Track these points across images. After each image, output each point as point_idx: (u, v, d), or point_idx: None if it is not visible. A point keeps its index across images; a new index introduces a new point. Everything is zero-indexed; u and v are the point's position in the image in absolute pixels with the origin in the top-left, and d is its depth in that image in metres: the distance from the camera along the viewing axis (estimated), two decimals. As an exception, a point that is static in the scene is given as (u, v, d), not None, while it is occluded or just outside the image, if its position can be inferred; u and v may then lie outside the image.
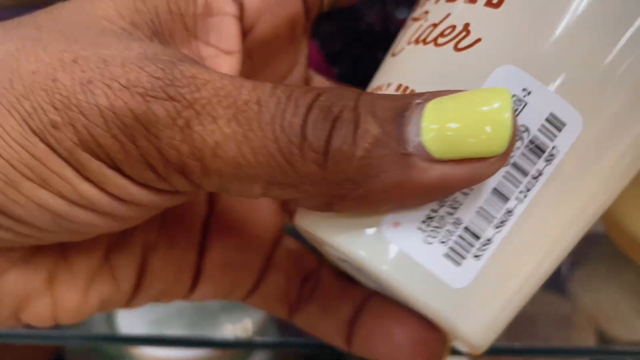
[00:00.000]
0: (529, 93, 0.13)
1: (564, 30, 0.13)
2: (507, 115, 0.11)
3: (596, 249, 0.31)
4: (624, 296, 0.35)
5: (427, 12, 0.15)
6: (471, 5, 0.14)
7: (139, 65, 0.12)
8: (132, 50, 0.12)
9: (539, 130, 0.13)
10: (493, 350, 0.32)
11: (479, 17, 0.14)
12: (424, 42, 0.14)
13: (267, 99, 0.11)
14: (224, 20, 0.15)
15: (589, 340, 0.34)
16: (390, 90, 0.14)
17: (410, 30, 0.15)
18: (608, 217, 0.30)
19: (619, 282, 0.35)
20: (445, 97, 0.11)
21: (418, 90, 0.14)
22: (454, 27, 0.14)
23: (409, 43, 0.15)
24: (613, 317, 0.35)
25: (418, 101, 0.11)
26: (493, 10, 0.14)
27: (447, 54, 0.14)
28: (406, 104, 0.11)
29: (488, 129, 0.11)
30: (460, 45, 0.14)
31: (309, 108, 0.11)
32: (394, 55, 0.16)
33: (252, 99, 0.11)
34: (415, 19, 0.15)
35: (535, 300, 0.34)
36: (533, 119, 0.13)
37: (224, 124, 0.11)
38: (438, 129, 0.11)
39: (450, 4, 0.14)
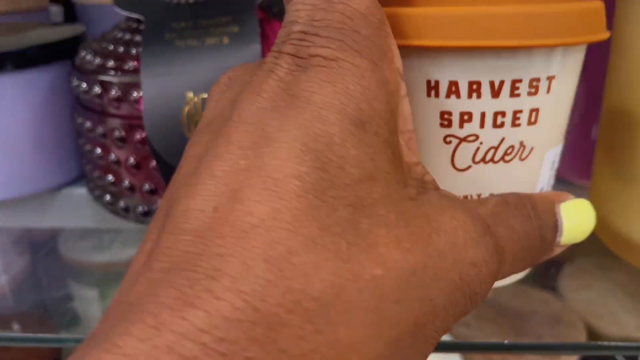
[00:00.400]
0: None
1: None
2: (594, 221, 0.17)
3: (586, 248, 0.31)
4: (614, 294, 0.35)
5: (477, 136, 0.19)
6: (518, 128, 0.19)
7: None
8: None
9: None
10: (485, 347, 0.32)
11: (527, 134, 0.19)
12: (493, 161, 0.19)
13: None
14: None
15: (579, 337, 0.35)
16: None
17: (466, 151, 0.19)
18: (596, 218, 0.31)
19: (609, 280, 0.35)
20: (569, 203, 0.16)
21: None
22: (512, 146, 0.19)
23: (475, 162, 0.19)
24: (603, 314, 0.35)
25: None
26: (534, 127, 0.19)
27: (516, 165, 0.20)
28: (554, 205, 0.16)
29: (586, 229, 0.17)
30: (523, 156, 0.19)
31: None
32: (458, 170, 0.20)
33: None
34: (462, 139, 0.19)
35: (527, 298, 0.34)
36: None
37: None
38: (570, 228, 0.16)
39: (499, 130, 0.19)
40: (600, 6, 0.19)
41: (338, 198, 0.12)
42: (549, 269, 0.32)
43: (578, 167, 0.36)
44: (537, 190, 0.21)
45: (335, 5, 0.14)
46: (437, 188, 0.15)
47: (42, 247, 0.42)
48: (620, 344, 0.31)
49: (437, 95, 0.18)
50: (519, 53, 0.18)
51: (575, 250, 0.35)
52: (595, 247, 0.30)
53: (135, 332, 0.10)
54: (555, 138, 0.21)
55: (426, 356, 0.13)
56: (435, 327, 0.12)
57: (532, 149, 0.19)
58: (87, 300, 0.39)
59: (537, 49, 0.18)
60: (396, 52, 0.15)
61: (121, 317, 0.10)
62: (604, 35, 0.19)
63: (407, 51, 0.18)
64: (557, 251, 0.17)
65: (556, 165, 0.22)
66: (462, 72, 0.18)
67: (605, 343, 0.31)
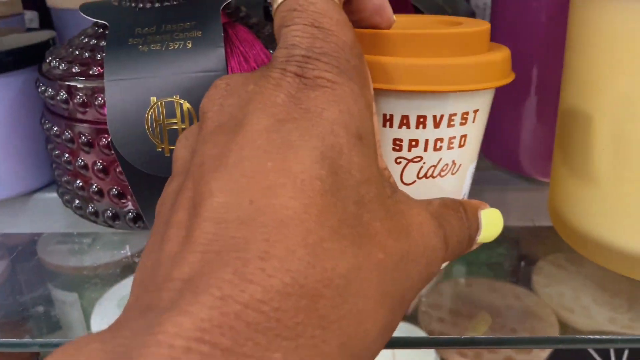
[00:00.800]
0: None
1: None
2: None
3: (558, 244, 0.32)
4: (585, 288, 0.36)
5: (421, 157, 0.24)
6: (451, 151, 0.24)
7: None
8: None
9: None
10: (460, 342, 0.33)
11: (457, 155, 0.24)
12: (432, 176, 0.24)
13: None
14: None
15: (552, 331, 0.35)
16: None
17: (412, 170, 0.24)
18: (554, 214, 0.31)
19: (581, 274, 0.36)
20: (487, 211, 0.20)
21: None
22: (447, 164, 0.24)
23: (419, 178, 0.24)
24: (575, 308, 0.35)
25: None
26: (463, 148, 0.24)
27: (449, 178, 0.25)
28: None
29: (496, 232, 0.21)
30: (454, 171, 0.25)
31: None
32: (405, 184, 0.24)
33: None
34: (410, 160, 0.24)
35: (501, 294, 0.35)
36: None
37: None
38: (486, 230, 0.20)
39: (438, 152, 0.24)
40: (509, 53, 0.25)
41: (347, 197, 0.15)
42: (522, 265, 0.32)
43: (542, 166, 0.37)
44: (462, 196, 0.27)
45: (331, 37, 0.17)
46: (398, 189, 0.18)
47: (19, 251, 0.42)
48: (591, 337, 0.31)
49: (391, 125, 0.23)
50: (457, 94, 0.23)
51: (549, 246, 0.35)
52: (567, 243, 0.31)
53: (204, 301, 0.12)
54: (475, 155, 0.26)
55: (402, 318, 0.16)
56: (411, 297, 0.16)
57: (460, 165, 0.25)
58: (66, 305, 0.39)
59: (469, 91, 0.23)
60: (370, 79, 0.19)
61: (181, 290, 0.12)
62: (512, 76, 0.25)
63: None
64: (474, 247, 0.21)
65: (473, 175, 0.28)
66: (411, 109, 0.23)
67: (578, 336, 0.32)
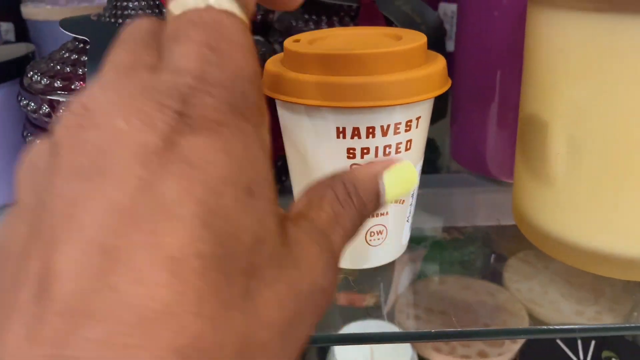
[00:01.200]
0: None
1: None
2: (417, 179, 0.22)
3: (527, 242, 0.32)
4: (554, 283, 0.37)
5: (368, 149, 0.26)
6: (399, 154, 0.27)
7: None
8: None
9: None
10: (433, 336, 0.33)
11: (405, 158, 0.24)
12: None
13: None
14: None
15: (522, 325, 0.36)
16: None
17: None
18: (517, 213, 0.32)
19: (549, 270, 0.37)
20: (393, 169, 0.19)
21: None
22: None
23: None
24: (544, 302, 0.36)
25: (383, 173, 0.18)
26: (409, 152, 0.27)
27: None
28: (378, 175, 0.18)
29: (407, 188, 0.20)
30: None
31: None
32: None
33: None
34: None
35: (474, 291, 0.36)
36: None
37: None
38: (394, 189, 0.19)
39: (387, 157, 0.27)
40: (444, 63, 0.27)
41: (234, 268, 0.12)
42: (494, 262, 0.34)
43: (507, 169, 0.38)
44: (413, 191, 0.30)
45: (228, 65, 0.14)
46: (294, 219, 0.16)
47: None
48: (559, 327, 0.32)
49: (344, 137, 0.26)
50: (400, 107, 0.25)
51: (517, 243, 0.36)
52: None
53: None
54: (421, 156, 0.29)
55: None
56: (300, 352, 0.14)
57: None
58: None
59: (411, 103, 0.25)
60: (267, 115, 0.15)
61: None
62: (449, 84, 0.27)
63: (320, 107, 0.25)
64: (386, 206, 0.20)
65: (420, 173, 0.30)
66: (362, 122, 0.25)
67: (544, 327, 0.33)
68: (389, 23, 0.39)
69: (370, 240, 0.30)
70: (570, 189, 0.27)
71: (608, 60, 0.24)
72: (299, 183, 0.30)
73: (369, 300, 0.32)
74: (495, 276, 0.37)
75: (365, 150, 0.26)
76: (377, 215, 0.29)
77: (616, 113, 0.24)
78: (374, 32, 0.29)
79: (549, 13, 0.26)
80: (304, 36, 0.29)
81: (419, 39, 0.27)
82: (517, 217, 0.32)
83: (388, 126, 0.26)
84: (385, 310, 0.32)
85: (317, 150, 0.27)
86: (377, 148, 0.26)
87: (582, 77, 0.25)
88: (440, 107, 0.42)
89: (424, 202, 0.35)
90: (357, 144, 0.26)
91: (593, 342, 0.44)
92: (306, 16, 0.41)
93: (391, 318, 0.32)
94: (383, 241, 0.30)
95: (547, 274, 0.37)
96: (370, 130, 0.26)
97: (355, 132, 0.26)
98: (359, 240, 0.30)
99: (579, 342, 0.45)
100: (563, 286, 0.36)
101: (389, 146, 0.26)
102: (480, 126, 0.38)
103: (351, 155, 0.26)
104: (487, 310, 0.35)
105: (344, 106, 0.25)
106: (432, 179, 0.42)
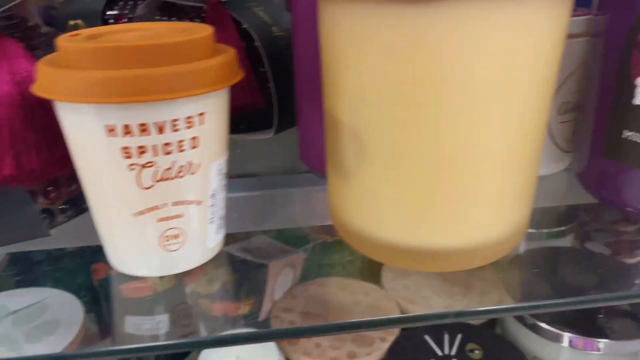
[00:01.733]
0: None
1: None
2: None
3: None
4: (428, 280, 0.38)
5: (154, 162, 0.25)
6: (184, 152, 0.26)
7: None
8: None
9: None
10: (301, 332, 0.32)
11: (193, 156, 0.27)
12: (170, 179, 0.26)
13: None
14: None
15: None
16: None
17: (148, 174, 0.26)
18: (331, 211, 0.32)
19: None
20: None
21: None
22: (183, 166, 0.26)
23: (157, 181, 0.26)
24: (417, 299, 0.37)
25: None
26: (196, 149, 0.26)
27: (189, 178, 0.27)
28: None
29: None
30: (192, 171, 0.27)
31: None
32: (144, 188, 0.26)
33: None
34: (142, 166, 0.25)
35: (351, 291, 0.35)
36: None
37: None
38: None
39: (169, 155, 0.26)
40: (231, 58, 0.26)
41: None
42: (373, 262, 0.32)
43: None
44: (211, 192, 0.29)
45: None
46: None
47: None
48: (423, 315, 0.33)
49: (115, 135, 0.24)
50: (173, 102, 0.24)
51: None
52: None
53: None
54: (217, 153, 0.28)
55: None
56: None
57: (199, 164, 0.27)
58: None
59: (187, 97, 0.24)
60: None
61: None
62: (239, 77, 0.27)
63: (83, 104, 0.24)
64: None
65: (224, 170, 0.29)
66: (132, 118, 0.24)
67: (404, 315, 0.35)
68: (237, 24, 0.39)
69: (167, 245, 0.28)
70: (359, 184, 0.27)
71: (377, 50, 0.23)
72: (88, 184, 0.28)
73: (243, 309, 0.31)
74: (374, 276, 0.37)
75: (141, 149, 0.25)
76: (169, 218, 0.27)
77: (388, 102, 0.24)
78: (165, 27, 0.29)
79: (331, 6, 0.25)
80: (87, 31, 0.27)
81: (205, 31, 0.26)
82: (331, 214, 0.32)
83: (163, 123, 0.25)
84: (260, 317, 0.30)
85: (93, 149, 0.25)
86: (155, 147, 0.25)
87: (359, 67, 0.24)
88: (288, 117, 0.43)
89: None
90: (132, 142, 0.25)
91: (459, 336, 0.45)
92: (157, 18, 0.41)
93: (265, 325, 0.30)
94: (182, 245, 0.28)
95: (424, 272, 0.37)
96: (143, 127, 0.24)
97: (127, 130, 0.24)
98: (151, 245, 0.28)
99: (446, 337, 0.45)
100: (437, 282, 0.36)
101: (169, 144, 0.25)
102: (317, 127, 0.36)
103: (127, 155, 0.25)
104: (361, 309, 0.35)
105: (111, 102, 0.23)
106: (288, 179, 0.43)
